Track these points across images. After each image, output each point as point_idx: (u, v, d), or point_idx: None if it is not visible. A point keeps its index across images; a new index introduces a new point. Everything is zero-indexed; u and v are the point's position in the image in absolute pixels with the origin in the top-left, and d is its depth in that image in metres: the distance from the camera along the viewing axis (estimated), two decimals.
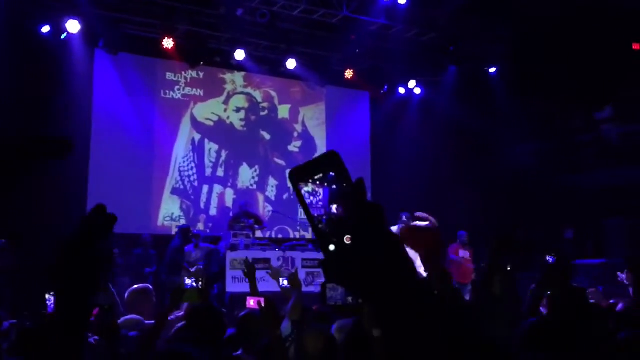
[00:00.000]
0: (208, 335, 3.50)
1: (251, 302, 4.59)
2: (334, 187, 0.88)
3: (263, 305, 3.77)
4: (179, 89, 10.97)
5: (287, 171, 0.97)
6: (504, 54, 11.27)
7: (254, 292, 4.54)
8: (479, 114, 11.30)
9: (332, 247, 0.87)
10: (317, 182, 0.88)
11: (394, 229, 9.08)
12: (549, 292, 4.18)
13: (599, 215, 10.38)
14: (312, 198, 0.89)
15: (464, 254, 9.57)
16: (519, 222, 10.48)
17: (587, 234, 10.58)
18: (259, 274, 9.15)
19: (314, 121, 12.14)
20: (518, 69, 11.12)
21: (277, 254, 9.00)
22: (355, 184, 0.87)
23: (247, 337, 3.71)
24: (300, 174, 0.89)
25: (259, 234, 9.87)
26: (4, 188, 8.31)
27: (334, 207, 0.88)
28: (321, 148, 12.03)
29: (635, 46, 10.33)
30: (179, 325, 4.10)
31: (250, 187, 11.28)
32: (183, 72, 10.94)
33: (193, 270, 8.49)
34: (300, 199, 0.88)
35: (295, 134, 11.96)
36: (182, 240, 8.99)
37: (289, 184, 0.93)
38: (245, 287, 8.66)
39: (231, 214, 10.41)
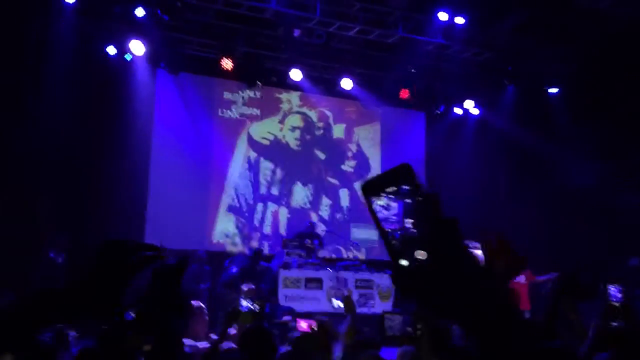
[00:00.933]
0: (259, 358, 3.49)
1: (303, 325, 4.59)
2: (408, 200, 0.86)
3: (315, 329, 3.74)
4: (236, 108, 11.18)
5: (359, 184, 0.95)
6: (565, 74, 10.98)
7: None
8: (538, 134, 11.02)
9: (404, 262, 0.85)
10: (391, 196, 0.86)
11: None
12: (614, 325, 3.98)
13: None
14: (385, 212, 0.87)
15: (520, 278, 9.26)
16: (583, 257, 10.07)
17: None
18: (312, 293, 9.15)
19: (368, 141, 12.11)
20: (580, 89, 10.79)
21: (330, 274, 8.96)
22: (430, 198, 0.86)
23: (301, 358, 3.69)
24: (373, 187, 0.87)
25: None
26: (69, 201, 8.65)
27: (408, 222, 0.86)
28: (375, 168, 11.98)
29: None
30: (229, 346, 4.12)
31: (304, 206, 11.32)
32: (240, 92, 11.15)
33: (245, 288, 8.54)
34: (372, 213, 0.86)
35: (350, 154, 11.96)
36: (252, 261, 9.03)
37: (362, 198, 0.87)
38: (298, 307, 8.68)
39: (285, 234, 10.47)
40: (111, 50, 9.68)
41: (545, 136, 11.02)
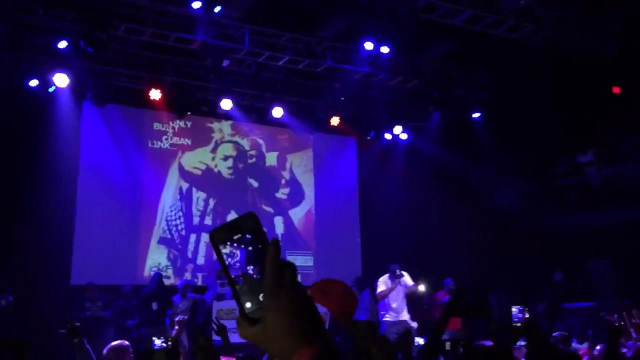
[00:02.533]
0: None
1: None
2: (250, 248, 0.90)
3: None
4: (166, 139, 11.07)
5: (208, 233, 1.00)
6: (487, 100, 11.47)
7: (227, 350, 4.51)
8: (464, 158, 11.41)
9: (248, 305, 0.89)
10: (235, 244, 0.90)
11: (382, 279, 9.09)
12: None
13: (586, 257, 10.39)
14: (229, 259, 0.90)
15: (444, 298, 9.54)
16: (512, 275, 10.42)
17: (575, 276, 10.57)
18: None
19: (301, 168, 12.22)
20: (501, 114, 11.28)
21: None
22: (270, 244, 0.89)
23: None
24: (220, 236, 0.91)
25: None
26: None
27: (249, 268, 0.90)
28: (309, 194, 12.09)
29: (614, 90, 10.52)
30: None
31: None
32: (171, 122, 11.06)
33: (177, 319, 8.38)
34: (220, 259, 0.90)
35: (283, 181, 12.03)
36: (154, 286, 8.95)
37: (212, 245, 0.92)
38: (233, 338, 8.59)
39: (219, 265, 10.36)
40: (33, 83, 9.41)
41: (471, 159, 11.41)
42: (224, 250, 0.90)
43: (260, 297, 0.88)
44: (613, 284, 9.84)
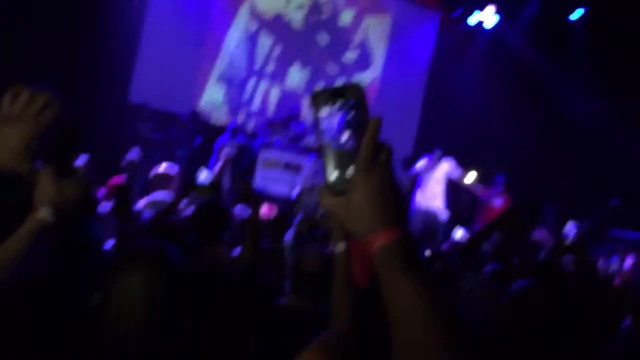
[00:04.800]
0: (209, 233, 3.43)
1: (264, 210, 4.53)
2: (352, 113, 0.88)
3: (273, 216, 3.67)
4: None
5: (309, 95, 0.90)
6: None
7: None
8: (550, 59, 10.59)
9: (333, 176, 0.88)
10: (337, 107, 0.88)
11: (422, 160, 8.86)
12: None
13: None
14: (327, 122, 0.89)
15: (497, 201, 9.29)
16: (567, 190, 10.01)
17: (634, 205, 10.08)
18: (289, 177, 9.09)
19: (376, 33, 11.56)
20: (604, 19, 10.22)
21: (312, 163, 8.82)
22: (373, 120, 0.88)
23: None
24: (322, 97, 0.89)
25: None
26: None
27: (346, 135, 0.88)
28: (377, 62, 11.55)
29: None
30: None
31: (297, 90, 10.99)
32: None
33: (223, 153, 8.44)
34: (316, 122, 0.89)
35: (354, 44, 11.46)
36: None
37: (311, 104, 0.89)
38: (272, 187, 8.67)
39: (273, 114, 10.27)
40: None
41: (557, 62, 10.62)
42: (324, 111, 0.88)
43: (348, 170, 0.87)
44: None
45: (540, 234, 6.18)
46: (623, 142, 10.30)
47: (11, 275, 1.23)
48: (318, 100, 0.89)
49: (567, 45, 10.91)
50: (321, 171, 0.89)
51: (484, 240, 3.79)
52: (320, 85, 11.09)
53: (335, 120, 0.88)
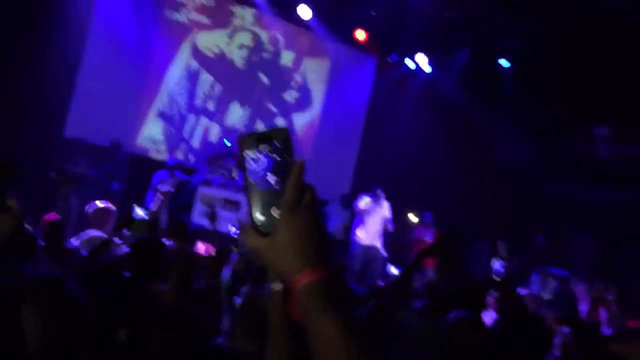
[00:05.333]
0: (147, 270, 3.43)
1: (201, 247, 4.54)
2: (278, 158, 0.92)
3: (212, 254, 3.70)
4: (185, 12, 10.63)
5: (238, 136, 0.96)
6: (519, 48, 11.01)
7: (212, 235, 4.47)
8: (481, 104, 11.14)
9: (260, 217, 0.92)
10: (263, 151, 0.92)
11: (365, 197, 9.09)
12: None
13: (574, 228, 10.40)
14: (253, 164, 0.92)
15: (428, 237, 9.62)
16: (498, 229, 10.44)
17: (558, 244, 10.60)
18: (228, 215, 9.07)
19: (315, 75, 11.86)
20: (530, 66, 10.90)
21: (243, 198, 8.84)
22: (297, 162, 0.91)
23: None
24: (249, 141, 0.92)
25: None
26: None
27: (271, 177, 0.91)
28: (317, 104, 11.82)
29: None
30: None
31: (238, 127, 11.07)
32: None
33: (162, 189, 8.40)
34: (242, 162, 0.92)
35: (294, 84, 11.70)
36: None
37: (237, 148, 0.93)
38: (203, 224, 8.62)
39: (213, 151, 10.27)
40: None
41: (487, 107, 11.15)
42: (250, 154, 0.91)
43: (273, 210, 0.90)
44: (592, 259, 9.91)
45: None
46: (549, 183, 10.88)
47: None
48: (245, 143, 0.92)
49: (497, 91, 11.52)
50: (248, 211, 0.92)
51: (415, 270, 3.92)
52: (259, 124, 11.22)
53: (261, 163, 0.91)
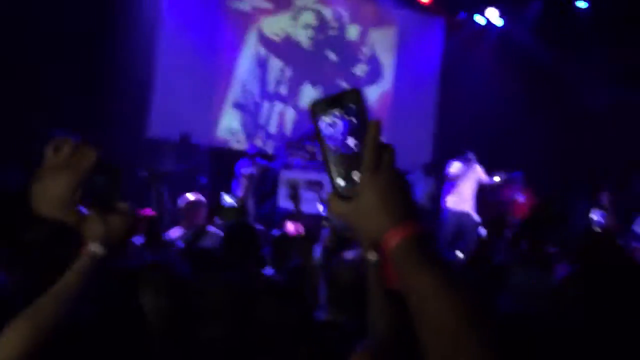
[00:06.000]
0: (241, 255, 3.50)
1: (290, 227, 4.59)
2: (354, 120, 0.89)
3: (302, 232, 3.72)
4: (248, 1, 10.72)
5: (309, 104, 0.94)
6: None
7: (298, 216, 4.51)
8: (562, 52, 10.56)
9: (341, 182, 0.90)
10: (338, 114, 0.90)
11: (455, 163, 8.86)
12: None
13: None
14: (329, 129, 0.90)
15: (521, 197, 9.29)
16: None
17: None
18: (312, 195, 9.17)
19: (383, 45, 11.65)
20: (610, 6, 10.18)
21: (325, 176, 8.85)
22: (372, 122, 0.89)
23: (279, 258, 3.70)
24: (322, 105, 0.91)
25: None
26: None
27: (349, 140, 0.89)
28: (388, 73, 11.63)
29: None
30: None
31: None
32: None
33: (246, 173, 8.61)
34: (317, 130, 0.90)
35: (363, 57, 11.56)
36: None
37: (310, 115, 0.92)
38: (289, 207, 8.74)
39: (290, 134, 10.38)
40: None
41: (569, 55, 10.57)
42: (325, 120, 0.90)
43: (354, 174, 0.89)
44: None
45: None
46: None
47: (70, 314, 1.26)
48: (317, 109, 0.90)
49: (576, 36, 10.87)
50: (329, 179, 0.90)
51: (528, 234, 3.76)
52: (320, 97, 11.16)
53: (336, 127, 0.89)
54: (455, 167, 8.83)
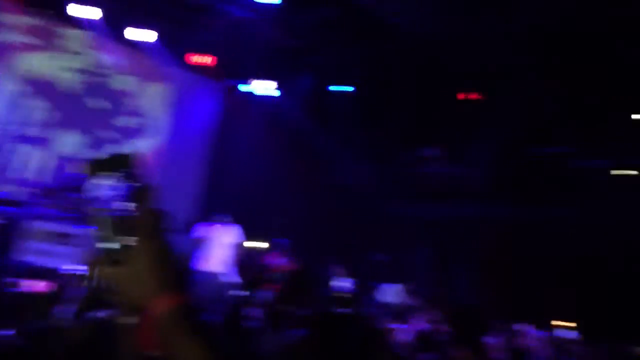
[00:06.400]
0: None
1: (37, 284, 4.15)
2: (128, 184, 0.90)
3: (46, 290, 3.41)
4: (8, 32, 9.77)
5: (87, 162, 0.91)
6: (358, 76, 11.63)
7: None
8: (326, 127, 11.54)
9: (111, 244, 0.89)
10: (112, 177, 0.90)
11: (202, 230, 8.86)
12: None
13: (410, 244, 11.08)
14: (104, 191, 0.89)
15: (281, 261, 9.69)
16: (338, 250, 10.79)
17: (396, 260, 11.19)
18: (61, 249, 8.37)
19: (157, 100, 11.49)
20: (368, 92, 11.55)
21: (80, 230, 8.17)
22: (149, 189, 0.91)
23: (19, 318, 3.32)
24: (97, 167, 0.91)
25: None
26: None
27: (120, 203, 0.89)
28: (160, 129, 11.44)
29: (459, 96, 11.43)
30: None
31: (72, 156, 10.29)
32: (21, 16, 9.77)
33: None
34: (89, 191, 0.89)
35: (134, 109, 11.21)
36: None
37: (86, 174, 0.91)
38: (43, 260, 7.90)
39: (51, 183, 9.49)
40: None
41: (328, 131, 11.57)
42: (98, 181, 0.89)
43: (126, 239, 0.88)
44: (427, 272, 10.59)
45: None
46: (386, 203, 11.53)
47: None
48: (92, 170, 0.91)
49: (335, 114, 12.00)
50: (96, 241, 0.89)
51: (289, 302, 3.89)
52: (95, 152, 10.55)
53: (109, 190, 0.89)
54: (207, 229, 8.79)
